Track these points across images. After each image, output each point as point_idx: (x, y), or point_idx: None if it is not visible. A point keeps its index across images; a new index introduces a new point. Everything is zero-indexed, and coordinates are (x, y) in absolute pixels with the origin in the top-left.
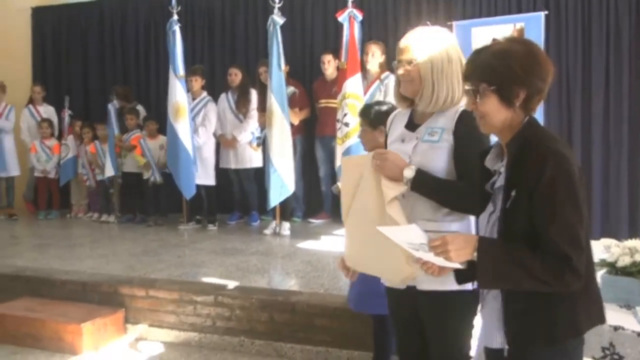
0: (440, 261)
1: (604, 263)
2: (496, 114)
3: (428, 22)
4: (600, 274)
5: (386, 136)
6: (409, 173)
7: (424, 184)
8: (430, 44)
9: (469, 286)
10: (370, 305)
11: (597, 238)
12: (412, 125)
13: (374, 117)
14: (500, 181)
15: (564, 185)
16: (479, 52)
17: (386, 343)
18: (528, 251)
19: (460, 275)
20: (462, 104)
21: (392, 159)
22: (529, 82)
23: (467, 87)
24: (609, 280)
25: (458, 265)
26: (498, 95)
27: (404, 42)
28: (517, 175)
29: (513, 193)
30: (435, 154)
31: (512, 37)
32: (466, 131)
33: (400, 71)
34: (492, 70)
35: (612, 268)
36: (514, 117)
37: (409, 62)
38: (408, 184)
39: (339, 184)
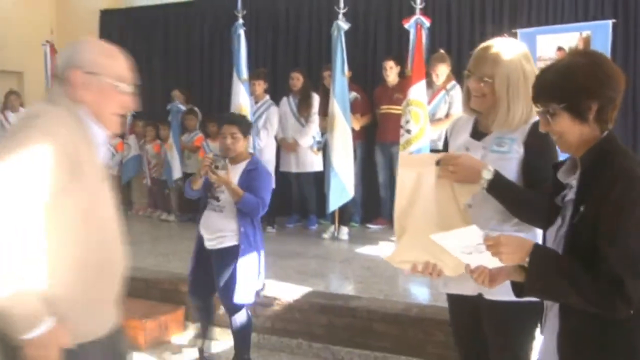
0: (491, 262)
1: None
2: (571, 132)
3: (505, 34)
4: None
5: (447, 143)
6: (488, 174)
7: (502, 187)
8: (507, 59)
9: (534, 299)
10: None
11: None
12: (477, 133)
13: (245, 126)
14: (571, 195)
15: (632, 207)
16: (543, 72)
17: None
18: (582, 268)
19: (517, 288)
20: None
21: (466, 162)
22: (598, 94)
23: (537, 110)
24: None
25: (498, 264)
26: (569, 112)
27: (479, 54)
28: (587, 190)
29: (582, 208)
30: (506, 165)
31: (574, 50)
32: (538, 143)
33: (473, 85)
34: (559, 88)
35: None
36: (589, 132)
37: (482, 78)
38: (485, 185)
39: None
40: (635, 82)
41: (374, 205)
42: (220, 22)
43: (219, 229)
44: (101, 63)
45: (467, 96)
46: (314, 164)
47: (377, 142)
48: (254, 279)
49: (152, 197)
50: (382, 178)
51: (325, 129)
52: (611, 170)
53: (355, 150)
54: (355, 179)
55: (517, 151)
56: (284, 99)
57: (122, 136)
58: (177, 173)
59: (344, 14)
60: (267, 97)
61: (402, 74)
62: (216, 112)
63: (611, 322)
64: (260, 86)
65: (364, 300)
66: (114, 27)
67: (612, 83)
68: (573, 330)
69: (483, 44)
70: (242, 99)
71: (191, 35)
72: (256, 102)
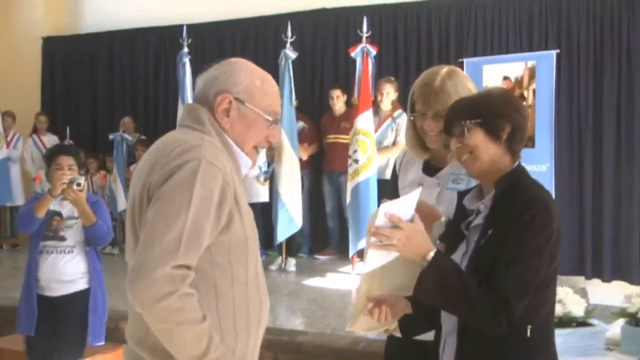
0: (385, 257)
1: (623, 313)
2: (484, 148)
3: (452, 64)
4: (620, 325)
5: (395, 177)
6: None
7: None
8: (454, 88)
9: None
10: None
11: (608, 280)
12: (429, 167)
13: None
14: (478, 220)
15: (537, 232)
16: (460, 99)
17: None
18: (477, 282)
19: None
20: None
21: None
22: (511, 117)
23: (454, 130)
24: (628, 331)
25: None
26: (484, 128)
27: (424, 92)
28: (498, 213)
29: (490, 231)
30: None
31: (489, 87)
32: None
33: (429, 125)
34: (476, 105)
35: (633, 319)
36: (500, 155)
37: (437, 114)
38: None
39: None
40: (579, 110)
41: (322, 235)
42: (165, 50)
43: (70, 273)
44: (256, 91)
45: (416, 139)
46: (260, 194)
47: (324, 172)
48: (104, 318)
49: None
50: (330, 208)
51: (272, 158)
52: (524, 196)
53: (302, 180)
54: (303, 209)
55: None
56: None
57: None
58: (121, 205)
59: (291, 43)
60: None
61: (348, 103)
62: None
63: (509, 345)
64: None
65: (310, 335)
66: (58, 54)
67: (523, 112)
68: (472, 353)
69: (419, 81)
70: None
71: (136, 63)
72: None
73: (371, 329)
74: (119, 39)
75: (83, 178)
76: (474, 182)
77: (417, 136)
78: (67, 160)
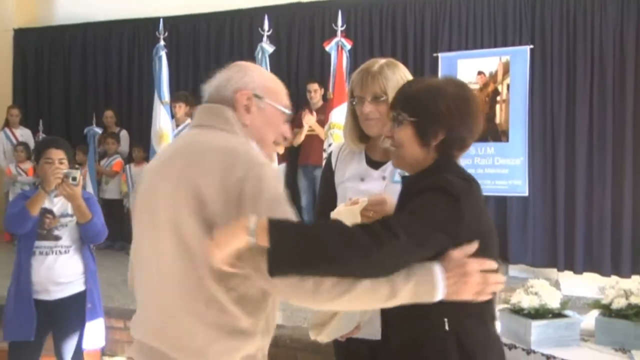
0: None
1: (597, 305)
2: (409, 148)
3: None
4: (594, 316)
5: (332, 174)
6: None
7: None
8: (392, 71)
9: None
10: None
11: (580, 272)
12: (372, 161)
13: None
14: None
15: (434, 201)
16: (412, 82)
17: None
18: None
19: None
20: None
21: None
22: (450, 127)
23: (391, 115)
24: (603, 322)
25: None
26: (416, 128)
27: (362, 76)
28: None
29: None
30: None
31: (450, 78)
32: None
33: (367, 109)
34: (417, 101)
35: (607, 310)
36: (425, 157)
37: (375, 97)
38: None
39: None
40: (552, 105)
41: None
42: (139, 43)
43: (67, 275)
44: (271, 88)
45: (355, 126)
46: None
47: (299, 165)
48: (102, 319)
49: None
50: (305, 202)
51: None
52: (430, 180)
53: None
54: None
55: None
56: None
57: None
58: None
59: (268, 36)
60: (189, 120)
61: (324, 97)
62: (136, 135)
63: (427, 339)
64: (182, 109)
65: (288, 329)
66: (29, 46)
67: (469, 122)
68: (394, 350)
69: (358, 70)
70: (163, 122)
71: (110, 57)
72: (177, 126)
73: (337, 335)
74: (93, 31)
75: (79, 172)
76: None
77: (356, 124)
78: (57, 154)
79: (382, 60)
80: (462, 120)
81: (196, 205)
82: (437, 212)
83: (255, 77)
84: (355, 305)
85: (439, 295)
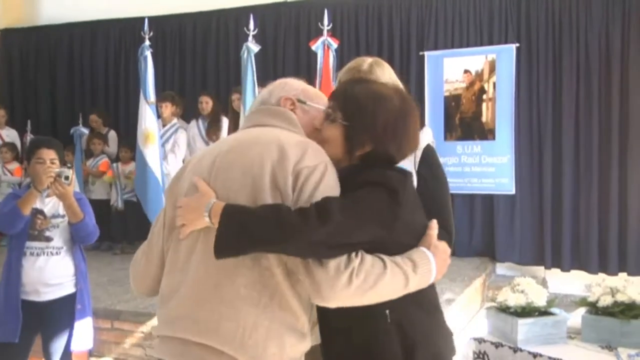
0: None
1: (584, 302)
2: (333, 148)
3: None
4: (581, 314)
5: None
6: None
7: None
8: (384, 78)
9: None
10: None
11: (567, 270)
12: None
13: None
14: None
15: (373, 194)
16: (356, 83)
17: None
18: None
19: None
20: (424, 141)
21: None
22: (380, 143)
23: (327, 108)
24: (589, 320)
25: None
26: (345, 132)
27: (357, 74)
28: None
29: None
30: None
31: (398, 89)
32: (431, 170)
33: None
34: (355, 106)
35: (593, 308)
36: (347, 160)
37: None
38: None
39: None
40: (539, 103)
41: None
42: (126, 43)
43: (58, 276)
44: (310, 92)
45: None
46: None
47: None
48: (91, 321)
49: None
50: None
51: None
52: (367, 173)
53: None
54: None
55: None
56: (193, 122)
57: (22, 161)
58: None
59: (253, 36)
60: (175, 120)
61: None
62: (123, 135)
63: (367, 330)
64: (168, 109)
65: None
66: (15, 46)
67: (401, 142)
68: (335, 343)
69: (345, 68)
70: (148, 122)
71: (96, 57)
72: (164, 126)
73: None
74: (79, 31)
75: (71, 171)
76: None
77: None
78: (49, 154)
79: (370, 59)
80: (394, 139)
81: (272, 188)
82: (376, 206)
83: (295, 86)
84: (378, 298)
85: (432, 279)
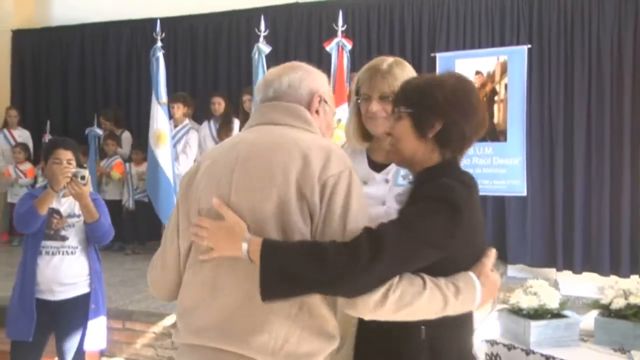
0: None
1: (597, 305)
2: (406, 141)
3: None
4: (593, 317)
5: None
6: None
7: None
8: (401, 70)
9: None
10: None
11: (579, 272)
12: (374, 164)
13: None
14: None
15: (433, 212)
16: (412, 79)
17: None
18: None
19: None
20: None
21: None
22: (447, 115)
23: (394, 111)
24: (602, 322)
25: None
26: (412, 120)
27: (370, 74)
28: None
29: None
30: None
31: (453, 73)
32: None
33: (375, 107)
34: (415, 93)
35: (606, 310)
36: (424, 150)
37: (384, 97)
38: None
39: None
40: (550, 104)
41: None
42: (137, 44)
43: (73, 276)
44: (329, 93)
45: (359, 124)
46: None
47: None
48: (105, 321)
49: None
50: None
51: None
52: (433, 184)
53: None
54: None
55: None
56: (205, 123)
57: (37, 162)
58: None
59: (264, 37)
60: (187, 120)
61: None
62: (135, 136)
63: (401, 346)
64: (179, 110)
65: None
66: (27, 47)
67: (468, 113)
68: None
69: (365, 67)
70: (160, 123)
71: (108, 58)
72: (175, 126)
73: None
74: (91, 32)
75: (87, 171)
76: None
77: (359, 123)
78: (65, 154)
79: (391, 59)
80: (460, 111)
81: (298, 198)
82: (435, 225)
83: (323, 82)
84: (412, 317)
85: (475, 307)
